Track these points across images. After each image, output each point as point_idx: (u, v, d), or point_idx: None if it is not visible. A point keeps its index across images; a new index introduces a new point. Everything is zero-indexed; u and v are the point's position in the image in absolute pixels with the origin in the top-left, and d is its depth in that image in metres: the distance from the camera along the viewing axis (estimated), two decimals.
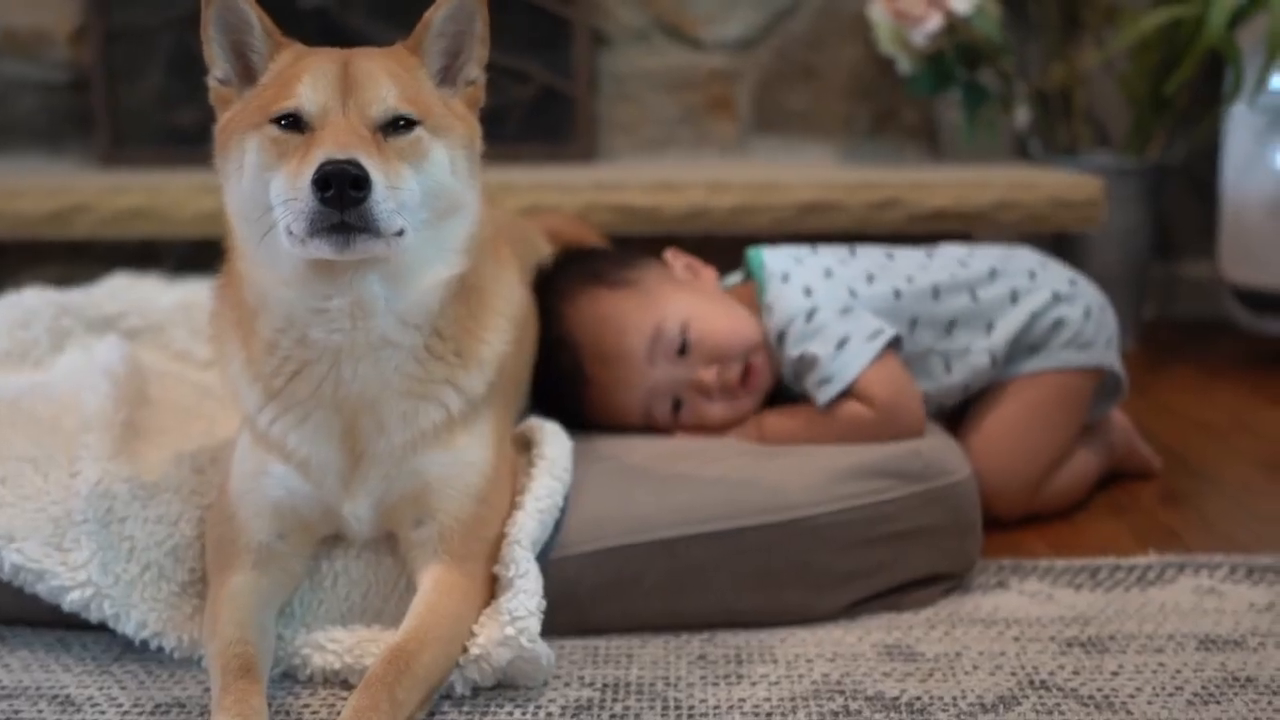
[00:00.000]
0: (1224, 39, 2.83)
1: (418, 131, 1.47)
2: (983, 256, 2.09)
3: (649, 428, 1.97)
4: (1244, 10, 2.85)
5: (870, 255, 2.08)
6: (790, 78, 3.37)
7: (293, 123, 1.45)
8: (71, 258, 3.11)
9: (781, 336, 1.96)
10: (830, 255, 2.07)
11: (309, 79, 1.46)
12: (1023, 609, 1.73)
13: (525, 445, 1.77)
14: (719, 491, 1.71)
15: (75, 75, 3.36)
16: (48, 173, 3.25)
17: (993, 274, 2.06)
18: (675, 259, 2.10)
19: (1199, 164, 3.39)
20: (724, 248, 3.11)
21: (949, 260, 2.08)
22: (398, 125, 1.47)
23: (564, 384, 1.96)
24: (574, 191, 2.89)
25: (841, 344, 1.91)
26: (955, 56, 3.09)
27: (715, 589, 1.67)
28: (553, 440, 1.75)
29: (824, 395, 1.90)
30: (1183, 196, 3.49)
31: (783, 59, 3.36)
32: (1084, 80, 3.28)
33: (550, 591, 1.54)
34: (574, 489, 1.70)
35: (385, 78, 1.47)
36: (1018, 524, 2.04)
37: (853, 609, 1.71)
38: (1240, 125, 3.04)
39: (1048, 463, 2.04)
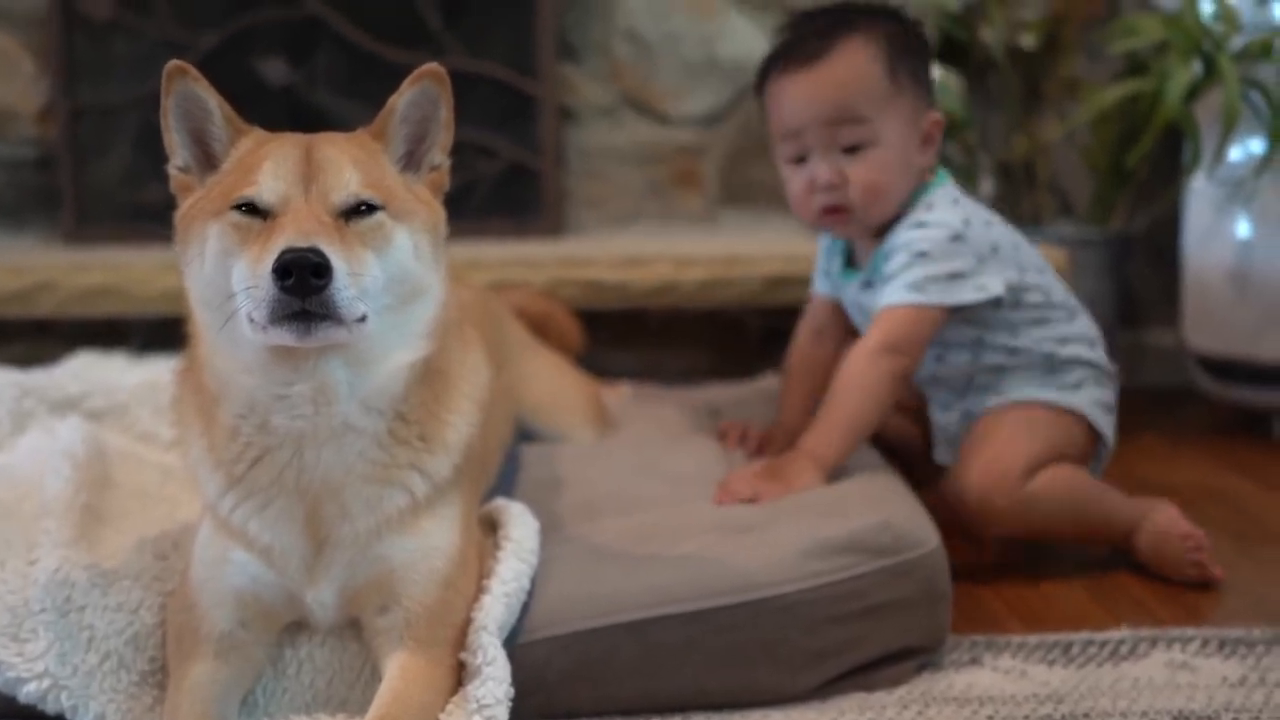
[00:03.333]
0: (1181, 113, 2.87)
1: (379, 216, 1.47)
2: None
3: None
4: (1199, 85, 2.90)
5: (1006, 231, 2.17)
6: (757, 151, 3.40)
7: (254, 209, 1.44)
8: (36, 336, 3.08)
9: (920, 225, 2.06)
10: (984, 214, 2.17)
11: (270, 165, 1.46)
12: (996, 686, 1.72)
13: (491, 526, 1.75)
14: (687, 571, 1.69)
15: (41, 153, 3.36)
16: (11, 250, 3.23)
17: (1072, 315, 2.19)
18: (936, 126, 2.14)
19: (1161, 234, 3.43)
20: (693, 321, 3.13)
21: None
22: (359, 211, 1.46)
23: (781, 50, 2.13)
24: (541, 267, 2.89)
25: (954, 276, 2.04)
26: None
27: (686, 670, 1.65)
28: (519, 521, 1.73)
29: (892, 295, 2.04)
30: (1146, 266, 3.53)
31: (748, 133, 3.39)
32: (1046, 152, 3.32)
33: (518, 677, 1.52)
34: (540, 571, 1.68)
35: (347, 163, 1.47)
36: (988, 593, 2.04)
37: (825, 688, 1.70)
38: (1200, 196, 3.08)
39: (1028, 454, 2.05)
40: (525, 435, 2.30)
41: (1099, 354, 2.19)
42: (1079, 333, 2.17)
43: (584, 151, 3.39)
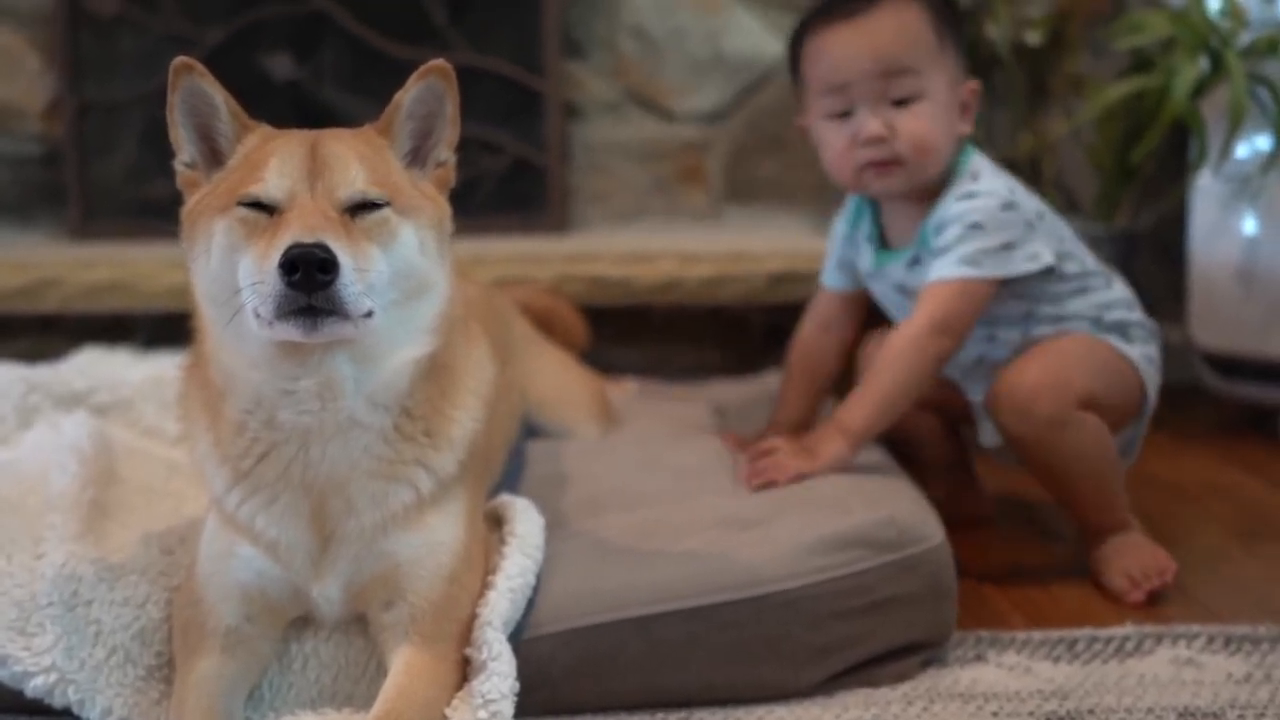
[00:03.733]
0: (1187, 109, 2.87)
1: (385, 212, 1.47)
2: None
3: None
4: (1206, 81, 2.89)
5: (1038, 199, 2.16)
6: (761, 148, 3.40)
7: (260, 205, 1.45)
8: (42, 331, 3.09)
9: (970, 195, 2.04)
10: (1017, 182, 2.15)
11: (276, 162, 1.46)
12: (1001, 683, 1.71)
13: (497, 522, 1.76)
14: (691, 567, 1.70)
15: (47, 149, 3.36)
16: (18, 246, 3.24)
17: (1109, 281, 2.17)
18: (973, 94, 2.12)
19: (1167, 231, 3.42)
20: (697, 317, 3.13)
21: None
22: (365, 207, 1.47)
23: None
24: (545, 263, 2.89)
25: (1006, 247, 2.01)
26: None
27: (691, 666, 1.65)
28: (524, 517, 1.73)
29: (943, 270, 2.00)
30: (1152, 263, 3.52)
31: (753, 130, 3.39)
32: (1052, 149, 3.32)
33: (523, 672, 1.52)
34: (545, 566, 1.68)
35: (353, 159, 1.48)
36: (993, 589, 2.04)
37: (829, 684, 1.70)
38: (1206, 193, 3.07)
39: (1085, 382, 2.01)
40: (531, 431, 2.30)
41: (1140, 315, 2.17)
42: (1118, 298, 2.15)
43: (589, 147, 3.39)
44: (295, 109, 3.24)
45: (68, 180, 3.31)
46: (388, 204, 1.48)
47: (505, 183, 3.32)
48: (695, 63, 3.38)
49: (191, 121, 1.54)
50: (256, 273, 1.40)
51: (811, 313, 2.33)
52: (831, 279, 2.30)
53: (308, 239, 1.37)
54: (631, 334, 3.09)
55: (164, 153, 1.60)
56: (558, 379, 2.36)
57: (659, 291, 2.89)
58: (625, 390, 2.69)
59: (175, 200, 1.58)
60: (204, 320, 1.53)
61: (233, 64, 3.18)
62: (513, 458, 2.11)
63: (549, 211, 3.33)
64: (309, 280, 1.36)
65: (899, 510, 1.82)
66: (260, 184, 1.45)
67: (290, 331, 1.39)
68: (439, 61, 1.57)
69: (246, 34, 3.29)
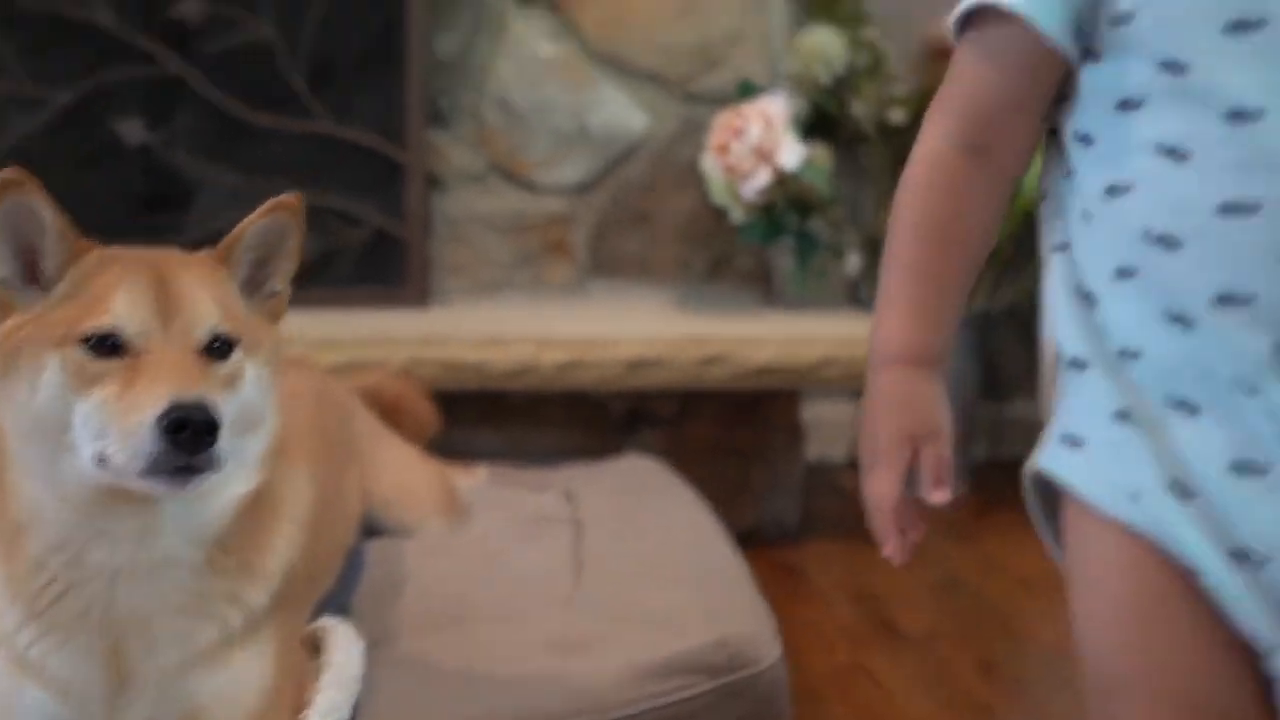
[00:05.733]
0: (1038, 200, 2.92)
1: (237, 355, 1.42)
2: None
3: None
4: None
5: None
6: (626, 223, 3.39)
7: (105, 344, 1.36)
8: None
9: None
10: None
11: (125, 296, 1.37)
12: None
13: (315, 648, 1.70)
14: (521, 695, 1.65)
15: None
16: None
17: None
18: None
19: (1024, 309, 3.48)
20: (557, 400, 3.09)
21: None
22: (216, 346, 1.41)
23: None
24: (399, 345, 2.84)
25: None
26: (786, 207, 3.13)
27: None
28: (341, 645, 1.67)
29: None
30: (1009, 340, 3.58)
31: (618, 204, 3.38)
32: None
33: None
34: (365, 697, 1.62)
35: (205, 296, 1.41)
36: (835, 699, 2.03)
37: None
38: None
39: None
40: (372, 530, 2.24)
41: None
42: None
43: (451, 219, 3.35)
44: (146, 174, 3.15)
45: None
46: (238, 343, 1.43)
47: (365, 255, 3.26)
48: (561, 135, 3.36)
49: (12, 238, 1.42)
50: (120, 423, 1.31)
51: (941, 118, 1.19)
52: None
53: (189, 398, 1.30)
54: (490, 416, 3.04)
55: None
56: (402, 475, 2.30)
57: (514, 376, 2.85)
58: (475, 476, 2.64)
59: None
60: (10, 455, 1.43)
61: (82, 126, 3.08)
62: (350, 561, 2.05)
63: (409, 284, 3.28)
64: (196, 442, 1.29)
65: (733, 630, 1.79)
66: (107, 318, 1.36)
67: (158, 487, 1.33)
68: (288, 197, 1.51)
69: (97, 96, 3.19)
